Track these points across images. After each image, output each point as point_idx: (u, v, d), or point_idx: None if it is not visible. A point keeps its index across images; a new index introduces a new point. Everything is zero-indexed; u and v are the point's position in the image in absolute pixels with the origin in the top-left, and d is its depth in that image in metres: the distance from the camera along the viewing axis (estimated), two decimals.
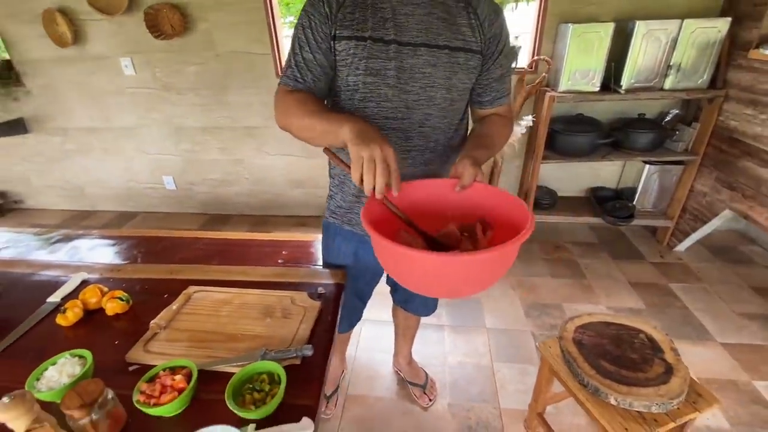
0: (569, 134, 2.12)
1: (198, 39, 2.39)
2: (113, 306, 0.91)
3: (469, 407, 1.46)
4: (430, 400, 1.49)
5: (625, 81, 2.00)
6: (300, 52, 0.83)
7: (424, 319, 1.88)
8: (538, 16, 2.13)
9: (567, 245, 2.44)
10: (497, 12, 0.85)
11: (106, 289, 0.96)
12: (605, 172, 2.53)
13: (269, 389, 0.68)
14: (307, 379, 0.74)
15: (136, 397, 0.66)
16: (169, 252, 1.22)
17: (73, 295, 0.97)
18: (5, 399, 0.55)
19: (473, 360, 1.66)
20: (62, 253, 1.22)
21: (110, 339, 0.85)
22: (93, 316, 0.92)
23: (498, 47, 0.86)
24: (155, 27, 2.33)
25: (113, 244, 1.27)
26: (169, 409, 0.65)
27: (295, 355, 0.76)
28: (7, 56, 2.59)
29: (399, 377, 1.60)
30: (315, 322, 0.87)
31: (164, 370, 0.72)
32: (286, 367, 0.72)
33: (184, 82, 2.52)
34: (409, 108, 0.86)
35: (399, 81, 0.83)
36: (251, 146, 2.70)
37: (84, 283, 1.04)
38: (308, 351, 0.77)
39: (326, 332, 0.86)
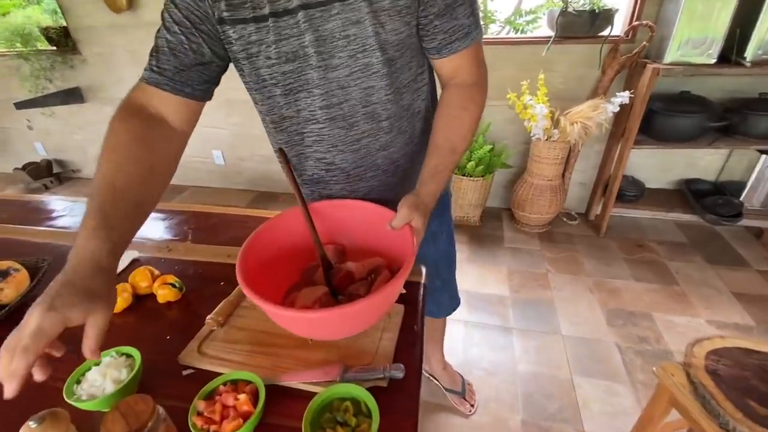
0: (672, 115, 1.80)
1: None
2: (165, 293, 0.78)
3: (547, 427, 1.27)
4: (472, 406, 1.33)
5: (751, 51, 1.65)
6: (164, 35, 0.62)
7: (487, 319, 1.69)
8: None
9: (651, 244, 2.14)
10: None
11: (157, 272, 0.84)
12: (704, 162, 2.17)
13: (356, 424, 0.52)
14: (398, 411, 0.57)
15: (193, 419, 0.52)
16: (220, 229, 1.12)
17: (123, 275, 0.87)
18: (32, 423, 0.42)
19: (549, 371, 1.46)
20: None
21: (161, 332, 0.73)
22: (143, 302, 0.80)
23: None
24: None
25: (164, 219, 1.18)
26: None
27: (382, 376, 0.60)
28: (64, 23, 2.57)
29: (433, 383, 1.42)
30: (399, 330, 0.70)
31: (225, 384, 0.57)
32: (370, 391, 0.56)
33: None
34: (344, 87, 0.67)
35: (322, 57, 0.63)
36: None
37: (134, 262, 0.94)
38: (399, 373, 0.60)
39: (413, 345, 0.69)
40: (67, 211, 1.24)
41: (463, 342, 1.59)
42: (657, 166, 2.22)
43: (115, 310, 0.77)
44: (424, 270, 0.85)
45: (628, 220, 2.34)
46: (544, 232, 2.28)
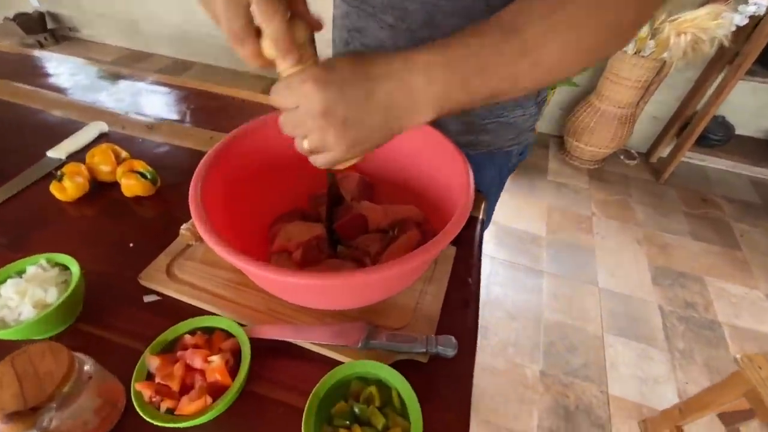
0: None
1: None
2: (132, 184, 0.58)
3: (567, 382, 1.16)
4: None
5: None
6: None
7: (517, 258, 1.52)
8: None
9: (717, 200, 1.85)
10: None
11: (125, 154, 0.63)
12: None
13: (384, 427, 0.34)
14: (442, 404, 0.40)
15: (136, 386, 0.35)
16: (225, 115, 0.90)
17: (80, 155, 0.65)
18: None
19: (577, 323, 1.31)
20: (105, 94, 0.90)
21: (123, 236, 0.54)
22: (104, 192, 0.60)
23: None
24: None
25: (159, 92, 0.95)
26: (195, 422, 0.33)
27: (424, 350, 0.40)
28: None
29: None
30: (448, 283, 0.50)
31: (193, 332, 0.39)
32: (401, 368, 0.37)
33: None
34: None
35: None
36: None
37: (102, 138, 0.72)
38: (449, 350, 0.41)
39: (466, 306, 0.49)
40: (53, 69, 0.98)
41: (487, 279, 1.43)
42: (755, 108, 1.81)
43: (65, 198, 0.57)
44: (483, 203, 0.62)
45: (694, 168, 2.01)
46: (595, 168, 1.98)
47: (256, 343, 0.39)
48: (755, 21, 1.43)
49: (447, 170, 0.46)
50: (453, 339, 0.41)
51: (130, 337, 0.42)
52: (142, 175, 0.58)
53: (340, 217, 0.47)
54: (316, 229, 0.46)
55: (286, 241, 0.44)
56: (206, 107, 0.91)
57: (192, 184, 0.40)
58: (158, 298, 0.47)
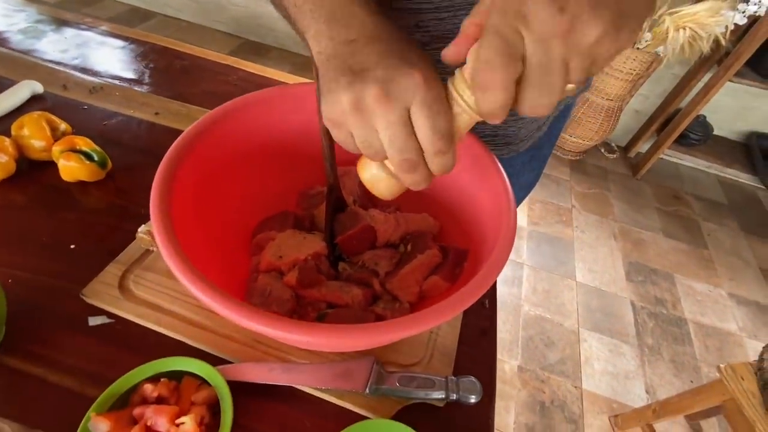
0: None
1: None
2: (73, 167, 0.46)
3: (544, 377, 1.16)
4: None
5: None
6: None
7: None
8: None
9: (688, 198, 1.90)
10: None
11: (64, 126, 0.50)
12: None
13: None
14: None
15: None
16: (189, 76, 0.79)
17: (4, 123, 0.52)
18: None
19: (556, 318, 1.31)
20: (45, 42, 0.74)
21: (61, 234, 0.43)
22: (36, 174, 0.48)
23: None
24: None
25: (114, 46, 0.79)
26: None
27: (442, 396, 0.34)
28: None
29: None
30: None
31: (154, 380, 0.30)
32: (412, 412, 0.31)
33: None
34: None
35: None
36: None
37: (35, 102, 0.58)
38: (473, 397, 0.34)
39: (484, 335, 0.44)
40: None
41: None
42: (735, 109, 1.84)
43: None
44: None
45: (668, 165, 2.05)
46: (577, 160, 1.98)
47: (239, 387, 0.31)
48: (751, 21, 1.41)
49: (471, 175, 0.39)
50: (477, 383, 0.35)
51: (69, 375, 0.33)
52: (87, 156, 0.46)
53: (343, 229, 0.39)
54: (314, 244, 0.37)
55: (277, 259, 0.36)
56: (169, 67, 0.78)
57: (156, 183, 0.30)
58: (108, 320, 0.37)
